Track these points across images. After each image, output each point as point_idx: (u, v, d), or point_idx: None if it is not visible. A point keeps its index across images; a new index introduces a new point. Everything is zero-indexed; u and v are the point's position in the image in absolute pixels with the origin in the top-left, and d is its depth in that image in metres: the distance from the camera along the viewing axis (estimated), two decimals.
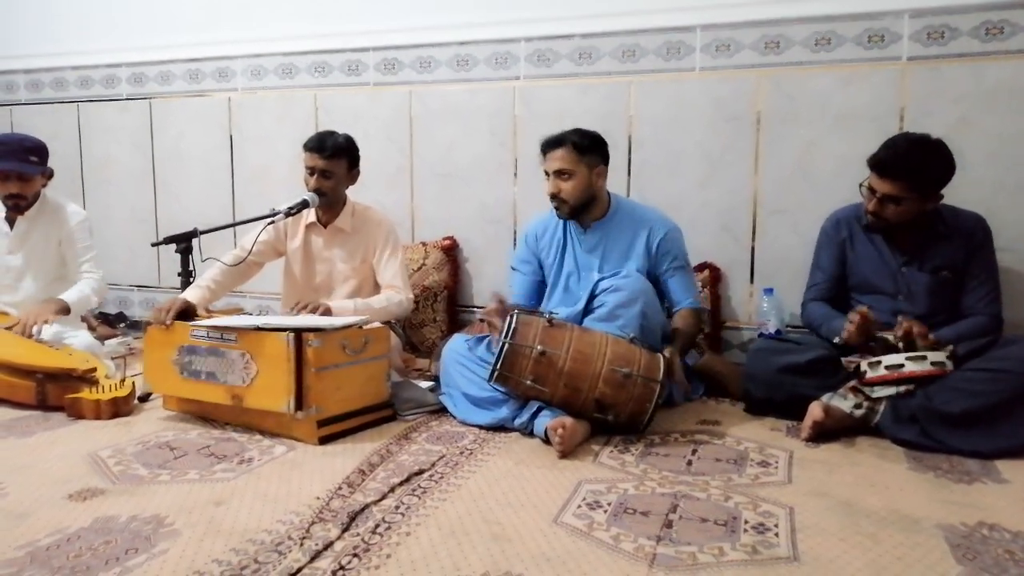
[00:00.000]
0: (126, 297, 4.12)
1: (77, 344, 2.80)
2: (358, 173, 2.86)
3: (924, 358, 2.16)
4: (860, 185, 2.39)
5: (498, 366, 2.17)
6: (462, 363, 2.43)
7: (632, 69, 3.12)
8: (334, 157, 2.73)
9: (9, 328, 2.74)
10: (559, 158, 2.50)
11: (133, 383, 2.55)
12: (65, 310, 2.88)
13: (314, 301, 2.58)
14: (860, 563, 1.47)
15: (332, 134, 2.77)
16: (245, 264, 2.82)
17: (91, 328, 3.25)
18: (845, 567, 1.46)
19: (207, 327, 2.30)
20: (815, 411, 2.20)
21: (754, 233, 3.04)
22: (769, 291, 2.92)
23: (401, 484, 1.85)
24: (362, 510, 1.69)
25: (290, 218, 2.79)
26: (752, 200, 3.03)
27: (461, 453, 2.10)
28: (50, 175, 3.00)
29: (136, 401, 2.53)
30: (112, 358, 2.93)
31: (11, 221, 3.00)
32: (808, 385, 2.34)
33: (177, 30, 3.87)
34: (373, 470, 1.95)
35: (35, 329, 2.71)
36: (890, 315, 2.38)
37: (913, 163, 2.27)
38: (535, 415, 2.22)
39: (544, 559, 1.48)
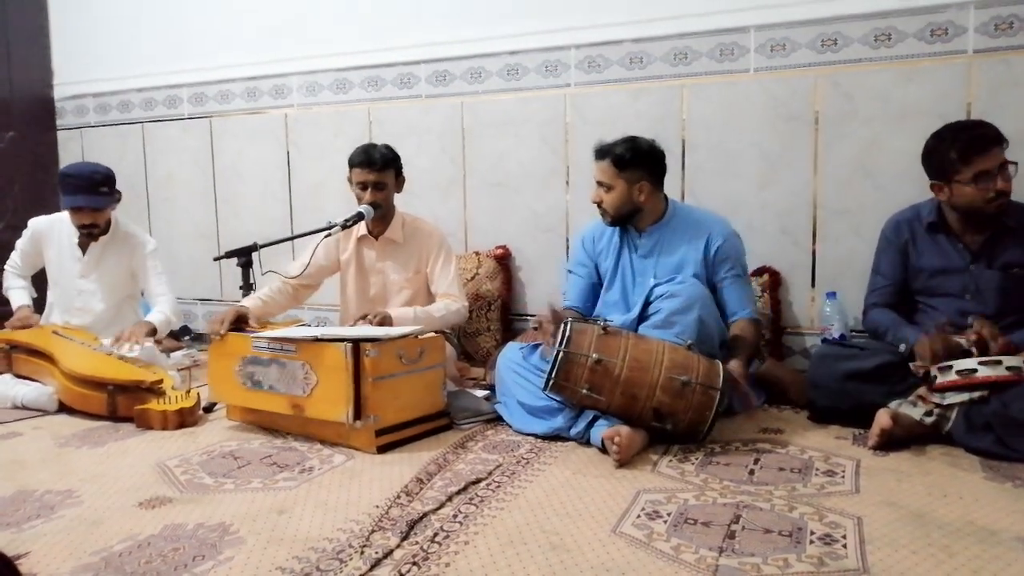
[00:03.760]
0: (190, 310, 4.24)
1: (145, 357, 2.89)
2: (403, 181, 2.90)
3: (999, 363, 2.06)
4: (957, 184, 2.24)
5: (553, 375, 2.16)
6: (517, 372, 2.42)
7: (684, 72, 3.08)
8: (384, 168, 2.78)
9: (107, 347, 2.84)
10: (600, 170, 2.51)
11: (198, 394, 2.62)
12: (153, 331, 3.00)
13: (374, 310, 2.61)
14: None
15: (375, 147, 2.82)
16: (299, 285, 2.87)
17: (157, 341, 3.35)
18: None
19: (268, 338, 2.35)
20: (882, 418, 2.13)
21: (815, 235, 2.96)
22: (832, 295, 2.84)
23: (459, 493, 1.86)
24: (420, 519, 1.70)
25: (340, 234, 2.83)
26: (812, 202, 2.95)
27: (518, 462, 2.09)
28: (118, 199, 3.10)
29: (201, 412, 2.60)
30: (177, 370, 3.02)
31: (83, 246, 3.11)
32: (875, 392, 2.26)
33: (235, 49, 3.98)
34: (431, 479, 1.96)
35: (127, 347, 2.81)
36: (957, 316, 2.29)
37: (990, 124, 2.26)
38: (591, 424, 2.20)
39: (604, 570, 1.47)
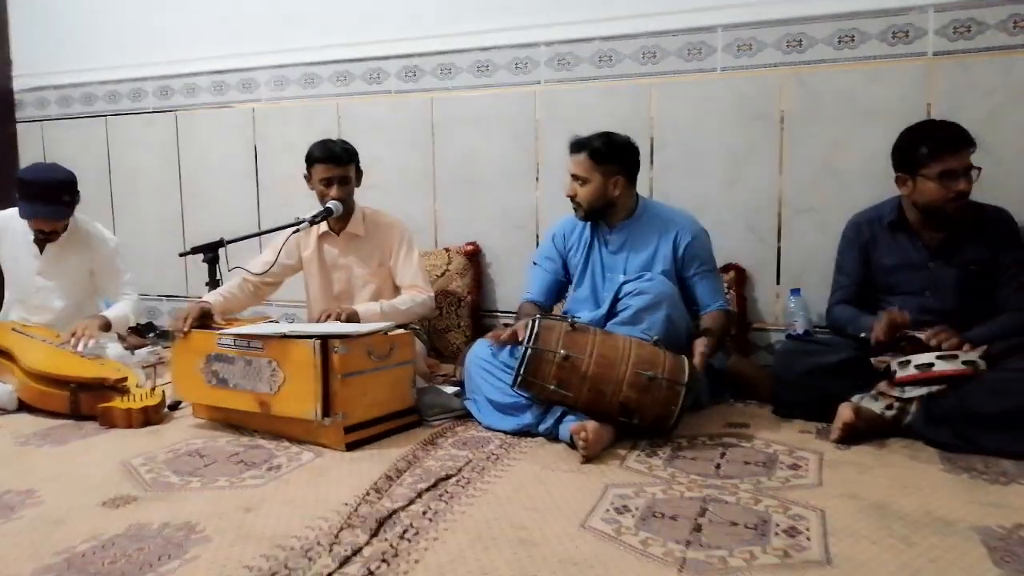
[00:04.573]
0: (155, 307, 4.18)
1: (109, 354, 2.85)
2: (361, 175, 2.89)
3: (955, 357, 2.12)
4: (921, 178, 2.28)
5: (521, 371, 2.17)
6: (486, 369, 2.43)
7: (653, 71, 3.11)
8: (348, 163, 2.78)
9: (63, 343, 2.79)
10: (576, 163, 2.52)
11: (163, 392, 2.59)
12: (107, 326, 2.94)
13: (339, 308, 2.59)
14: (894, 566, 1.45)
15: (334, 142, 2.81)
16: (258, 284, 2.85)
17: (121, 338, 3.30)
18: (878, 570, 1.44)
19: (234, 335, 2.33)
20: (845, 413, 2.17)
21: (780, 233, 3.01)
22: (796, 292, 2.89)
23: (428, 489, 1.86)
24: (390, 516, 1.70)
25: (301, 232, 2.80)
26: (777, 200, 3.00)
27: (487, 458, 2.10)
28: (78, 202, 2.98)
29: (166, 409, 2.57)
30: (142, 367, 2.97)
31: (40, 244, 3.02)
32: (837, 386, 2.30)
33: (201, 43, 3.92)
34: (400, 476, 1.96)
35: (80, 344, 2.75)
36: (918, 313, 2.35)
37: (963, 127, 2.29)
38: (559, 420, 2.21)
39: (571, 563, 1.48)
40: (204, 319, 2.50)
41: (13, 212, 3.05)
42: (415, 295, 2.77)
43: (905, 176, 2.35)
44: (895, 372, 2.19)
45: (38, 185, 2.84)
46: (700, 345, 2.33)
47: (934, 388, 2.13)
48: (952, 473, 1.94)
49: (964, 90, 2.70)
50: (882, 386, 2.24)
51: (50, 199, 2.85)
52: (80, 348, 2.74)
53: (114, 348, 2.94)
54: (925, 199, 2.31)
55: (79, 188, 2.97)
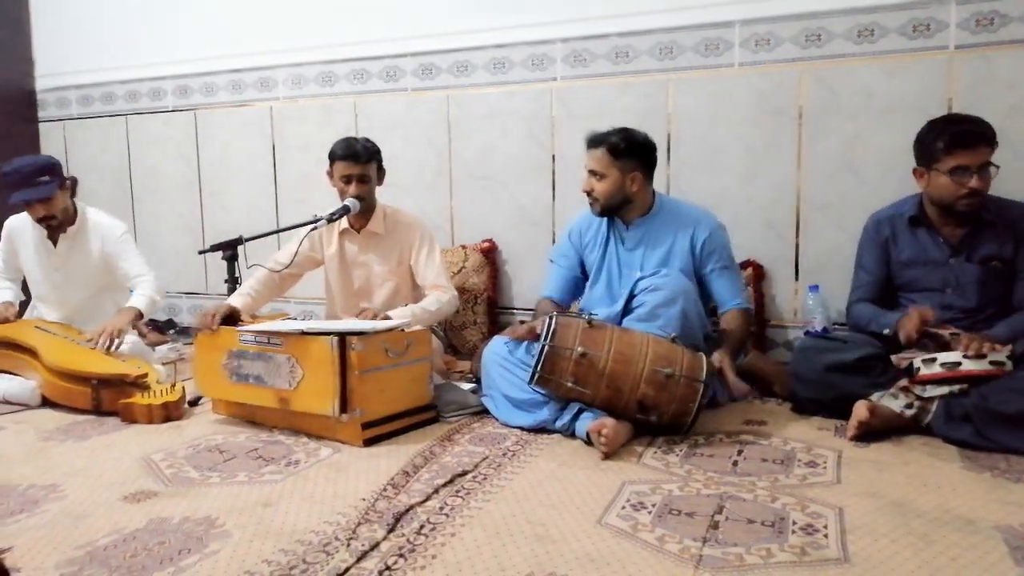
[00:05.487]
0: (175, 304, 4.22)
1: (132, 350, 2.88)
2: (384, 173, 2.89)
3: (983, 356, 2.09)
4: (935, 172, 2.27)
5: (538, 368, 2.17)
6: (503, 365, 2.43)
7: (670, 67, 3.10)
8: (369, 161, 2.78)
9: (89, 340, 2.82)
10: (594, 158, 2.51)
11: (183, 388, 2.61)
12: (139, 316, 2.97)
13: (374, 310, 2.60)
14: (913, 564, 1.44)
15: (356, 140, 2.81)
16: (284, 275, 2.86)
17: (142, 335, 3.33)
18: (897, 569, 1.43)
19: (254, 332, 2.35)
20: (860, 411, 2.15)
21: (798, 229, 2.99)
22: (815, 288, 2.87)
23: (445, 485, 1.86)
24: (407, 511, 1.70)
25: (324, 228, 2.82)
26: (796, 196, 2.98)
27: (504, 455, 2.10)
28: (73, 184, 3.00)
29: (186, 405, 2.59)
30: (162, 363, 3.00)
31: (54, 240, 3.06)
32: (856, 384, 2.29)
33: (219, 42, 3.95)
34: (417, 471, 1.97)
35: (103, 342, 2.77)
36: (940, 310, 2.32)
37: (986, 123, 2.26)
38: (576, 416, 2.21)
39: (588, 560, 1.48)
40: (230, 320, 2.52)
41: (21, 216, 3.10)
42: (440, 295, 2.77)
43: (922, 169, 2.33)
44: (919, 369, 2.17)
45: (15, 174, 2.89)
46: (721, 361, 2.33)
47: (955, 388, 2.11)
48: (973, 471, 1.92)
49: (986, 84, 2.67)
50: (903, 383, 2.22)
51: (32, 183, 2.88)
52: (108, 347, 2.77)
53: (135, 345, 2.97)
54: (937, 194, 2.29)
55: (70, 174, 2.98)
